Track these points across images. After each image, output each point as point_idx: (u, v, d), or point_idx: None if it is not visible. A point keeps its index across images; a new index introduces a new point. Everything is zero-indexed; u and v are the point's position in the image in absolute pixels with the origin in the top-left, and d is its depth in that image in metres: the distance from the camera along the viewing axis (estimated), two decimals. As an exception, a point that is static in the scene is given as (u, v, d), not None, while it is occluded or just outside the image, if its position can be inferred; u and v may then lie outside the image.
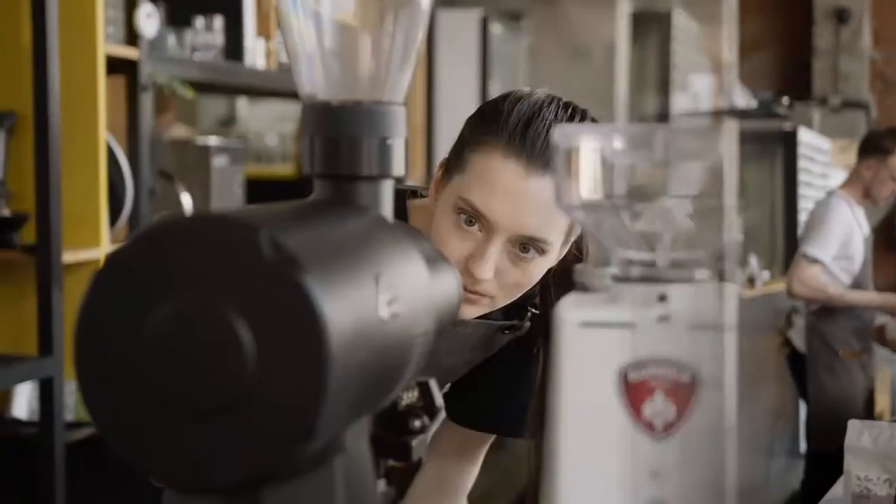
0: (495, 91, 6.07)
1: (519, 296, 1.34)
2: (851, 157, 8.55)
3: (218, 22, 3.02)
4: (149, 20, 2.66)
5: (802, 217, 7.33)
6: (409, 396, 0.90)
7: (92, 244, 2.53)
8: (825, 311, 4.41)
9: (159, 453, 0.64)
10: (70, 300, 2.40)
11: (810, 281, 4.26)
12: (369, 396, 0.71)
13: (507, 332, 1.46)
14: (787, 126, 6.89)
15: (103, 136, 2.53)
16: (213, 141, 3.17)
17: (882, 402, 5.90)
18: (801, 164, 7.02)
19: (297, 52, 0.83)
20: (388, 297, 0.71)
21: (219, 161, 3.08)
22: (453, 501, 1.56)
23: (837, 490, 2.12)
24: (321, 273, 0.64)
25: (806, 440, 4.63)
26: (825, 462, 4.40)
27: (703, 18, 8.74)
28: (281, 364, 0.62)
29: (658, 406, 0.69)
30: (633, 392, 0.69)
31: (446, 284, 0.88)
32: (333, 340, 0.62)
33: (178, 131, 4.03)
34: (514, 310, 1.44)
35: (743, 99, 5.84)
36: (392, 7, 0.83)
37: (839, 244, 4.25)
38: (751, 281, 6.10)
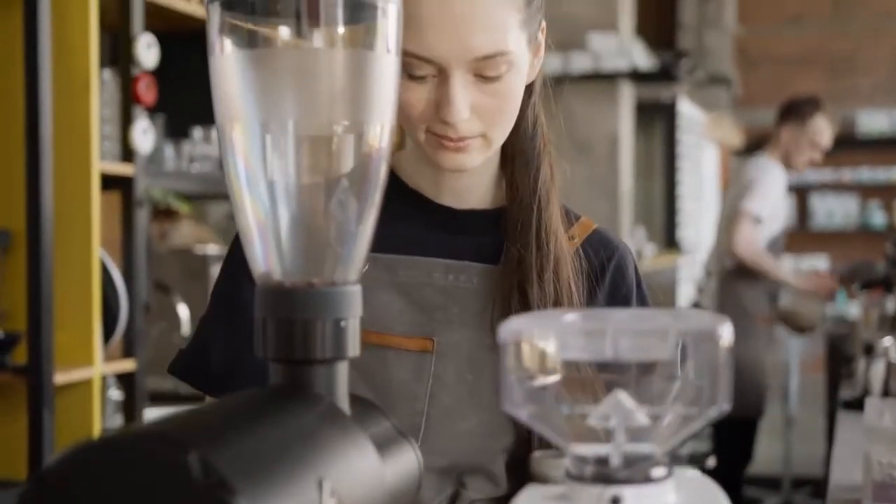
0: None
1: (509, 126, 1.19)
2: (725, 130, 8.65)
3: (216, 133, 3.04)
4: (144, 136, 2.67)
5: (681, 190, 7.40)
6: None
7: (85, 363, 2.51)
8: (743, 272, 4.29)
9: None
10: (62, 422, 2.37)
11: (755, 244, 4.17)
12: None
13: None
14: (665, 98, 6.92)
15: (97, 253, 2.52)
16: (211, 249, 3.17)
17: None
18: (679, 135, 7.12)
19: (251, 231, 0.82)
20: (333, 502, 0.69)
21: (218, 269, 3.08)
22: None
23: (854, 477, 1.89)
24: (256, 490, 0.61)
25: None
26: (732, 431, 4.32)
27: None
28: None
29: None
30: None
31: (403, 466, 0.85)
32: (266, 565, 0.60)
33: (186, 231, 4.03)
34: None
35: (643, 59, 5.75)
36: (346, 188, 0.82)
37: (772, 206, 4.19)
38: (639, 254, 6.07)
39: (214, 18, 0.79)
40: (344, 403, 0.80)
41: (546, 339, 0.71)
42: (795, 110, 4.36)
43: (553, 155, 1.30)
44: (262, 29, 0.78)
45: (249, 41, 0.80)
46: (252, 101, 0.79)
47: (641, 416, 0.71)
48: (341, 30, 0.79)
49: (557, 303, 1.22)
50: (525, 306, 1.20)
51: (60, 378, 2.43)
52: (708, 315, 0.74)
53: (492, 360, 1.21)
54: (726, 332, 0.69)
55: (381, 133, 0.82)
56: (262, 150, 0.80)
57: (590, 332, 0.71)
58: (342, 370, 0.80)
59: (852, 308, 5.81)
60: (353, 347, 0.80)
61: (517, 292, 1.22)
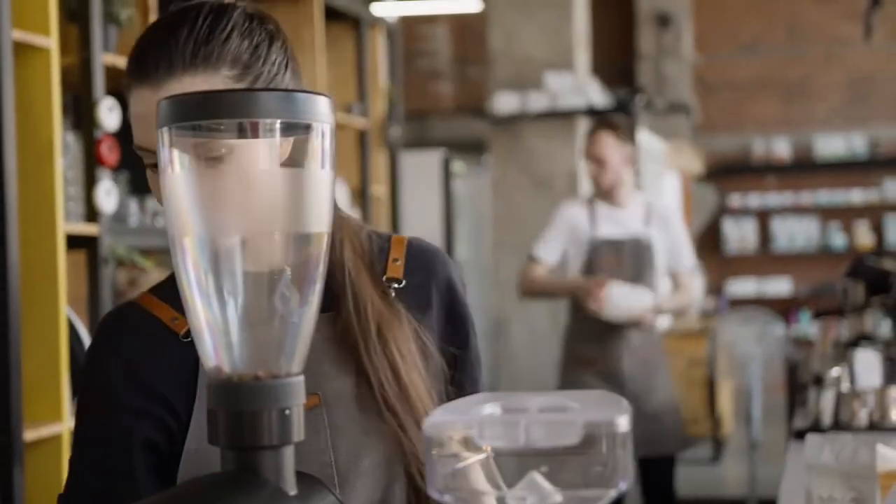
0: (461, 229, 6.23)
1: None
2: (683, 158, 8.76)
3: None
4: (108, 196, 2.74)
5: None
6: None
7: (54, 419, 2.57)
8: (570, 317, 4.19)
9: None
10: (32, 479, 2.43)
11: (524, 275, 4.13)
12: None
13: None
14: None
15: (64, 312, 2.59)
16: (176, 299, 3.22)
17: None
18: (639, 165, 7.24)
19: (202, 330, 0.90)
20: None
21: (183, 319, 3.14)
22: None
23: None
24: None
25: None
26: (651, 469, 4.29)
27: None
28: None
29: None
30: None
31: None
32: None
33: (155, 278, 4.08)
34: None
35: (599, 96, 5.80)
36: (289, 285, 0.91)
37: (564, 244, 4.14)
38: None
39: (166, 141, 0.87)
40: (290, 485, 0.88)
41: (466, 429, 0.79)
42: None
43: (349, 221, 1.37)
44: (208, 152, 0.87)
45: (196, 162, 0.88)
46: (200, 215, 0.88)
47: (556, 496, 0.79)
48: (279, 149, 0.88)
49: (393, 367, 1.29)
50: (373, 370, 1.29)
51: (30, 435, 2.49)
52: (611, 402, 0.83)
53: (371, 398, 1.30)
54: (623, 421, 0.77)
55: (318, 237, 0.90)
56: (210, 259, 0.88)
57: (505, 422, 0.79)
58: (288, 454, 0.89)
59: (813, 329, 5.91)
60: (298, 433, 0.89)
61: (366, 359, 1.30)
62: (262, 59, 1.25)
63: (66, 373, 2.60)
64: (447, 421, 0.79)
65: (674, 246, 4.17)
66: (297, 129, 0.88)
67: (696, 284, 4.27)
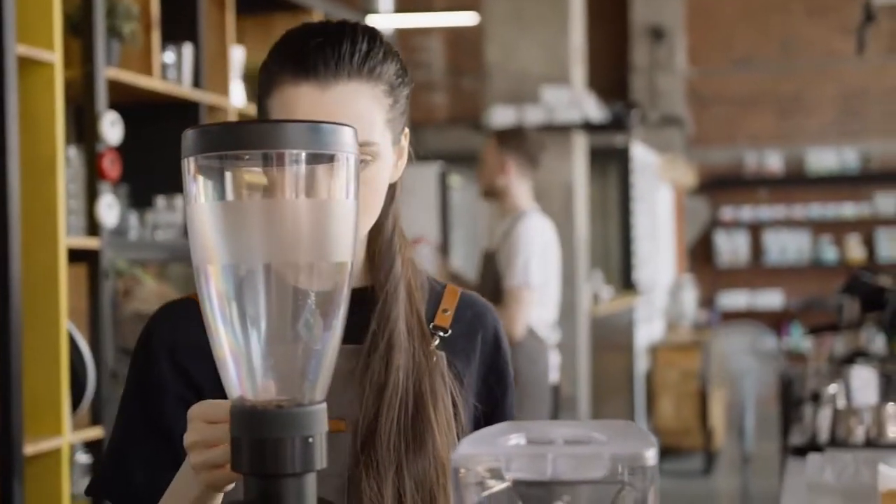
0: (456, 240, 6.24)
1: (375, 215, 1.27)
2: (677, 171, 8.76)
3: (179, 201, 3.12)
4: (109, 210, 2.74)
5: (636, 231, 7.55)
6: None
7: (54, 433, 2.57)
8: None
9: None
10: (32, 492, 2.43)
11: None
12: None
13: None
14: (619, 143, 7.05)
15: (65, 325, 2.59)
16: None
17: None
18: (633, 178, 7.30)
19: (226, 358, 0.91)
20: None
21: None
22: None
23: None
24: None
25: None
26: None
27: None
28: None
29: None
30: None
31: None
32: None
33: (149, 288, 4.07)
34: None
35: (595, 111, 5.81)
36: (313, 312, 0.91)
37: None
38: (596, 298, 6.09)
39: (191, 170, 0.88)
40: (312, 516, 0.88)
41: (494, 461, 0.80)
42: None
43: (413, 263, 1.35)
44: (233, 184, 0.87)
45: (221, 192, 0.89)
46: (224, 245, 0.88)
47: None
48: (304, 180, 0.88)
49: (413, 416, 1.27)
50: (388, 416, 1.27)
51: (30, 449, 2.49)
52: (637, 434, 0.83)
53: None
54: (651, 455, 0.78)
55: (342, 265, 0.91)
56: (234, 288, 0.89)
57: (532, 454, 0.80)
58: (311, 481, 0.89)
59: (806, 342, 5.91)
60: (321, 460, 0.89)
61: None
62: (402, 84, 1.28)
63: (67, 386, 2.60)
64: (474, 454, 0.79)
65: (507, 259, 3.96)
66: (322, 160, 0.89)
67: (514, 308, 3.86)
